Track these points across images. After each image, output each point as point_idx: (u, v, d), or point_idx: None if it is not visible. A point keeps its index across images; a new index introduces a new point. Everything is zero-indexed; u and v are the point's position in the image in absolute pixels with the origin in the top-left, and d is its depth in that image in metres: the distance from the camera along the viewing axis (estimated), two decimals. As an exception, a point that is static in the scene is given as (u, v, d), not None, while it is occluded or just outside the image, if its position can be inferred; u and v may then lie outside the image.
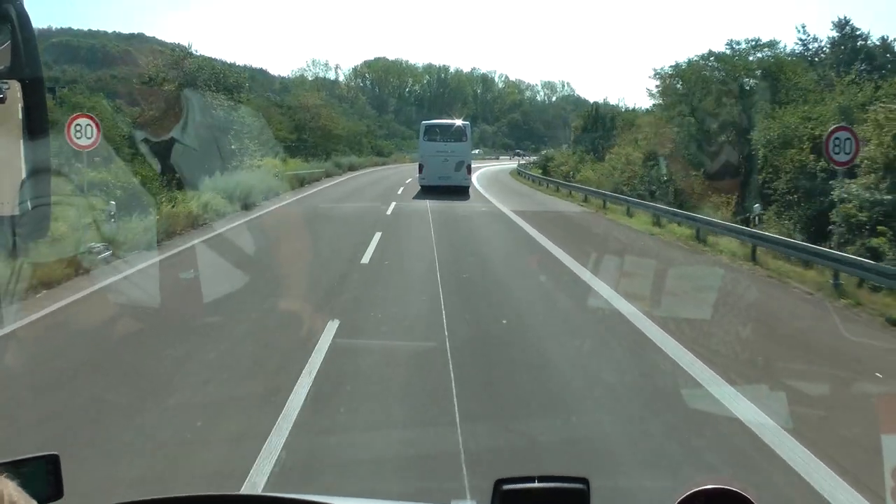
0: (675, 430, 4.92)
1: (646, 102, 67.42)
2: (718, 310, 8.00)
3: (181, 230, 14.15)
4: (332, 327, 7.28)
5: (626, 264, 11.26)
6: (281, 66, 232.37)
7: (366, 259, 11.67)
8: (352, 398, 5.48)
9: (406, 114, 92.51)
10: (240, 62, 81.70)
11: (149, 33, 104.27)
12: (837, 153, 10.48)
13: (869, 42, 28.26)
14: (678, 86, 27.82)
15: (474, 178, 32.44)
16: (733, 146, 22.82)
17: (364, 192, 26.91)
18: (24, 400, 5.39)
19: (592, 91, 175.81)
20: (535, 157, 55.89)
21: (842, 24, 28.31)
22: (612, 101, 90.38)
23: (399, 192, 26.98)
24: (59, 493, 1.37)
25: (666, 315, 7.75)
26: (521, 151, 72.47)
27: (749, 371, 6.21)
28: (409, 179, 31.69)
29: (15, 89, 1.13)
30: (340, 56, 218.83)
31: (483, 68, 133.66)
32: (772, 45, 26.15)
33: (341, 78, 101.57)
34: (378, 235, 14.20)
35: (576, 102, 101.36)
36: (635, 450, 4.67)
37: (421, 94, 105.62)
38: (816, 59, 28.42)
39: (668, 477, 4.23)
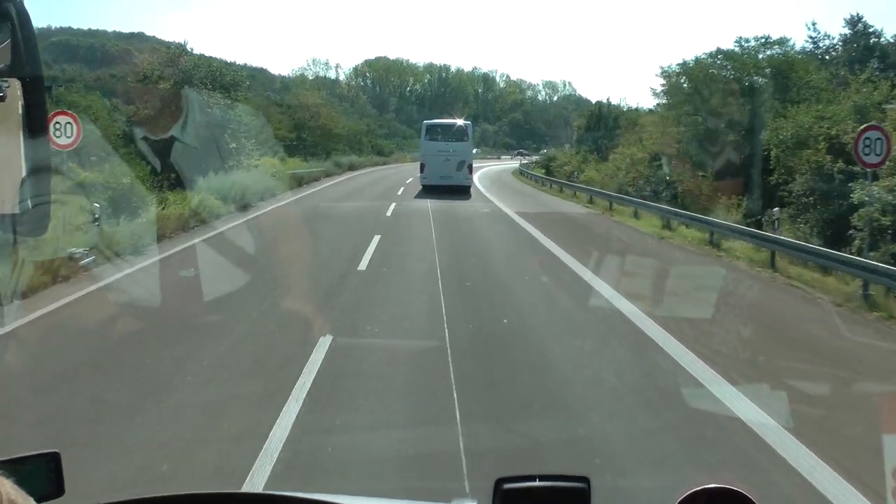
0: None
1: (648, 102, 66.96)
2: (753, 328, 7.33)
3: (171, 233, 13.56)
4: (323, 343, 6.65)
5: (647, 273, 10.47)
6: (281, 65, 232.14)
7: (363, 266, 11.03)
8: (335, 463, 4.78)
9: (407, 113, 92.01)
10: (240, 61, 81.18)
11: (149, 33, 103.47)
12: (867, 154, 9.81)
13: (882, 39, 27.62)
14: (685, 84, 27.22)
15: (476, 178, 32.15)
16: (742, 146, 22.19)
17: (364, 192, 26.54)
18: None
19: (594, 91, 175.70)
20: (537, 157, 55.29)
21: (854, 21, 27.69)
22: (614, 101, 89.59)
23: (399, 192, 26.69)
24: (60, 491, 1.39)
25: (697, 339, 6.92)
26: (524, 151, 71.74)
27: (815, 410, 5.30)
28: (410, 179, 31.30)
29: (15, 88, 1.13)
30: (341, 55, 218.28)
31: (484, 67, 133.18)
32: (782, 42, 25.53)
33: (342, 77, 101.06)
34: (377, 238, 13.64)
35: (577, 102, 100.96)
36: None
37: (422, 93, 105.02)
38: (827, 56, 27.78)
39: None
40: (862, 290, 9.21)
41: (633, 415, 5.22)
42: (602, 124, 42.69)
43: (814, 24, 50.84)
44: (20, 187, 1.16)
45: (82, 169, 16.22)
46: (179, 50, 28.92)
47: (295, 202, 22.50)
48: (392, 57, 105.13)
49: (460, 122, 30.32)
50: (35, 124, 1.15)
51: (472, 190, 27.59)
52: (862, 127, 10.52)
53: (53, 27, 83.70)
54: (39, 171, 1.18)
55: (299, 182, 28.27)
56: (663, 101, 29.84)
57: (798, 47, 27.09)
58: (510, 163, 59.97)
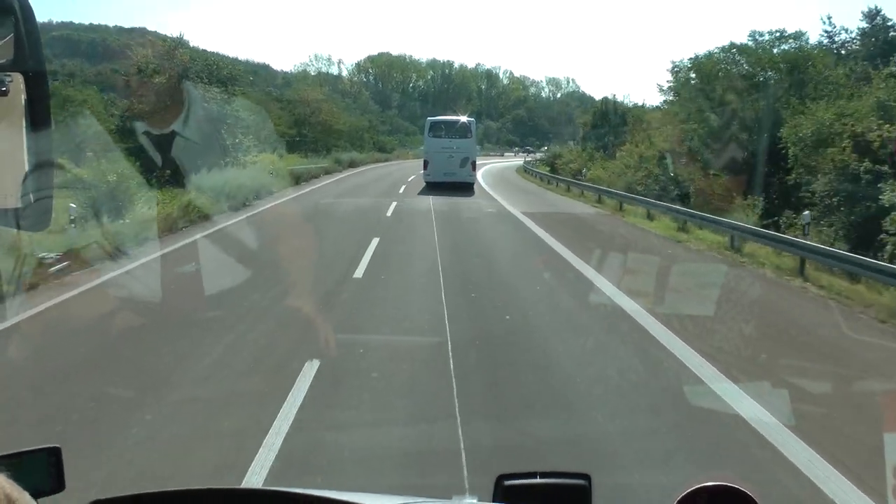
0: None
1: (654, 99, 66.07)
2: (796, 348, 6.57)
3: (157, 235, 12.75)
4: (309, 369, 5.85)
5: (666, 280, 9.58)
6: (284, 61, 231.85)
7: (359, 273, 10.19)
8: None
9: (410, 109, 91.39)
10: (243, 57, 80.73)
11: (150, 28, 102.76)
12: (909, 154, 8.99)
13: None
14: (695, 80, 26.38)
15: (479, 175, 31.64)
16: (757, 144, 21.35)
17: (367, 189, 25.94)
18: None
19: (597, 88, 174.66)
20: (541, 154, 54.45)
21: (872, 15, 26.83)
22: (618, 98, 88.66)
23: (401, 190, 26.07)
24: (60, 486, 1.41)
25: (734, 362, 6.10)
26: (529, 148, 70.94)
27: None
28: (413, 177, 30.63)
29: (18, 82, 1.12)
30: (343, 51, 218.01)
31: (487, 64, 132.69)
32: (797, 36, 24.65)
33: (344, 73, 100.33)
34: (376, 241, 12.90)
35: (580, 99, 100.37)
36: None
37: (425, 89, 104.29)
38: (843, 51, 26.91)
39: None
40: (905, 303, 8.38)
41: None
42: (608, 121, 41.95)
43: (829, 18, 49.81)
44: (23, 182, 1.14)
45: (75, 165, 15.53)
46: (175, 43, 28.06)
47: (293, 200, 21.88)
48: (395, 53, 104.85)
49: (464, 118, 30.50)
50: (38, 119, 1.14)
51: (475, 188, 27.34)
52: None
53: (54, 22, 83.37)
54: (42, 165, 1.17)
55: (297, 180, 27.57)
56: (671, 98, 29.10)
57: (813, 42, 26.24)
58: (514, 160, 59.19)
